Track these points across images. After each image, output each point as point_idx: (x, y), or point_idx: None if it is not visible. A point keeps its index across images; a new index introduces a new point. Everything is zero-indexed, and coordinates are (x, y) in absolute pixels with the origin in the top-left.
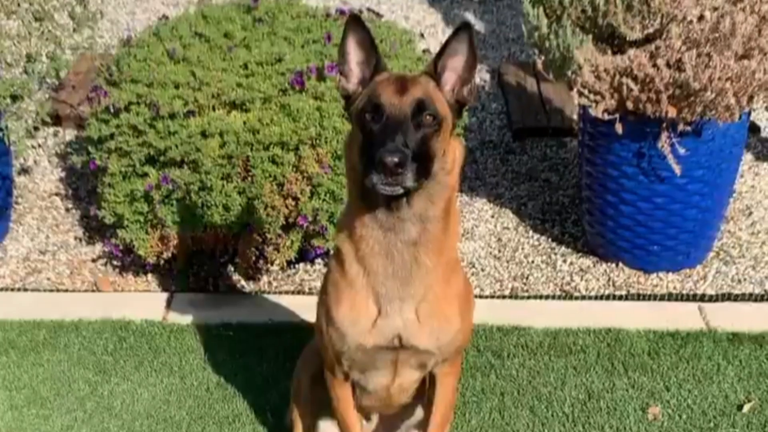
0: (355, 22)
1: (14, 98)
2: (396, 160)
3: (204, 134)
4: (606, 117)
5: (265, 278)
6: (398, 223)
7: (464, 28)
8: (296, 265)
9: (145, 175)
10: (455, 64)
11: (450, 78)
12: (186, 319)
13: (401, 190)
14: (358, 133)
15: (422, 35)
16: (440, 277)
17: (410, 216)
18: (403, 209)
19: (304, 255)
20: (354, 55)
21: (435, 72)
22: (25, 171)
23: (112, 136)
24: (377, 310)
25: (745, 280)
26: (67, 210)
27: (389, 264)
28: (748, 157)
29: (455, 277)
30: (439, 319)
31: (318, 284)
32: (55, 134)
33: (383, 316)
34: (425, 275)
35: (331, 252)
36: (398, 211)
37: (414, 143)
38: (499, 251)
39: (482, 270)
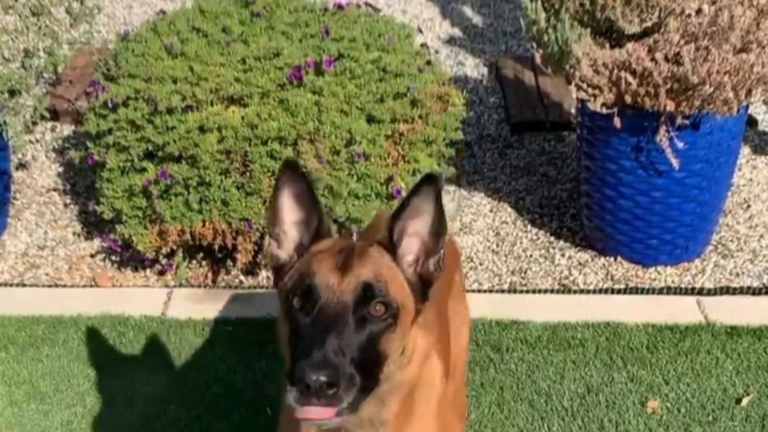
0: (290, 170)
1: (12, 93)
2: (323, 378)
3: (202, 129)
4: (604, 111)
5: (263, 273)
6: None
7: (428, 180)
8: None
9: (144, 170)
10: (418, 227)
11: (411, 246)
12: (185, 315)
13: (337, 422)
14: (284, 321)
15: (420, 29)
16: None
17: (358, 423)
18: (348, 416)
19: None
20: (289, 213)
21: (391, 240)
22: (23, 166)
23: (110, 131)
24: None
25: (743, 273)
26: (66, 205)
27: None
28: (746, 151)
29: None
30: None
31: None
32: (53, 129)
33: None
34: None
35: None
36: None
37: (356, 347)
38: (498, 245)
39: (480, 264)
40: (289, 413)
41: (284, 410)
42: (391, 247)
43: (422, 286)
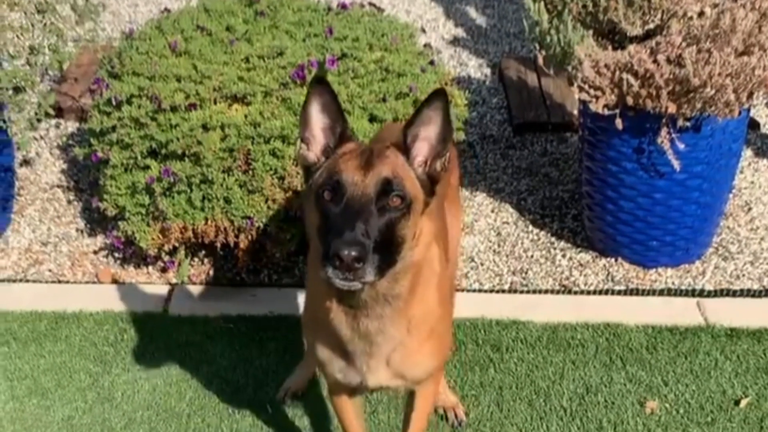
0: (319, 84)
1: (17, 90)
2: (354, 254)
3: (205, 127)
4: (606, 112)
5: (265, 271)
6: (362, 302)
7: (438, 94)
8: (296, 258)
9: (147, 167)
10: (428, 133)
11: (421, 149)
12: (186, 311)
13: (359, 286)
14: (316, 212)
15: (423, 30)
16: (409, 335)
17: (373, 296)
18: (365, 291)
19: (304, 248)
20: (317, 120)
21: (404, 143)
22: (27, 163)
23: (113, 128)
24: (347, 359)
25: (743, 275)
26: (69, 202)
27: (355, 333)
28: (747, 153)
29: (428, 324)
30: (408, 366)
31: None
32: (57, 126)
33: (352, 366)
34: (391, 340)
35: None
36: (361, 293)
37: (378, 230)
38: (499, 246)
39: (481, 264)
40: (314, 294)
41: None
42: (405, 149)
43: (430, 182)
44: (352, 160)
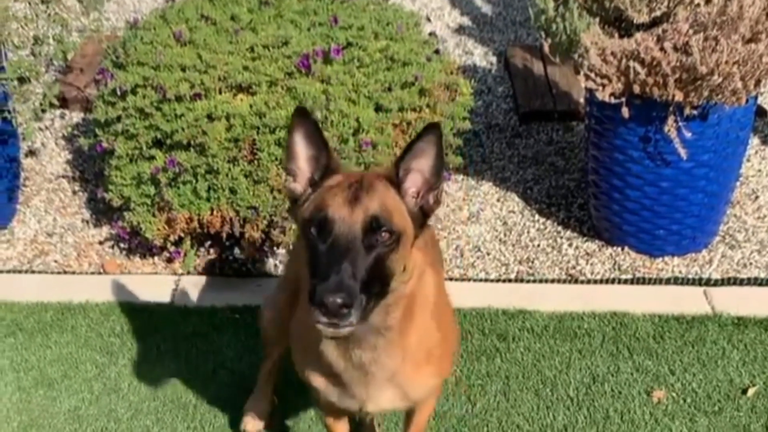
0: (301, 114)
1: (21, 80)
2: (339, 301)
3: (210, 117)
4: (612, 101)
5: (271, 261)
6: (353, 336)
7: (432, 128)
8: None
9: (152, 157)
10: (421, 166)
11: (415, 181)
12: (192, 302)
13: (345, 334)
14: (304, 245)
15: (429, 18)
16: (405, 363)
17: (366, 329)
18: (357, 325)
19: None
20: (302, 151)
21: (397, 175)
22: (32, 153)
23: (118, 118)
24: (343, 387)
25: (750, 264)
26: (74, 192)
27: (348, 362)
28: (754, 141)
29: (426, 344)
30: (408, 388)
31: None
32: (62, 116)
33: (349, 394)
34: (386, 369)
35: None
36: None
37: (365, 270)
38: (505, 235)
39: (488, 254)
40: (303, 324)
41: (295, 322)
42: (396, 181)
43: (421, 215)
44: (339, 194)
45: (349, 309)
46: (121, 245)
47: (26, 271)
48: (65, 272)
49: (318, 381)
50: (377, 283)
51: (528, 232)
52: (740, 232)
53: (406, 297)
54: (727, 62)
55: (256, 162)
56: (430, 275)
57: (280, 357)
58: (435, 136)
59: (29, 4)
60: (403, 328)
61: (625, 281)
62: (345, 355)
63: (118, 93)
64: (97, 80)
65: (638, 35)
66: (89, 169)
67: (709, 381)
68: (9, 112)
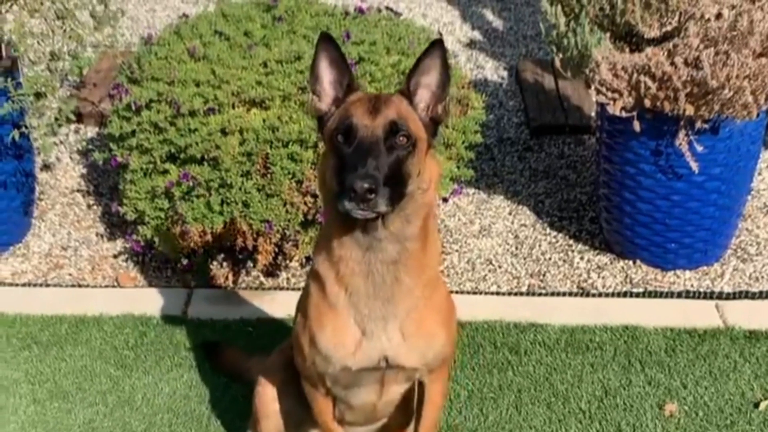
0: (326, 40)
1: (38, 96)
2: (366, 186)
3: (224, 132)
4: (624, 114)
5: (284, 274)
6: (376, 243)
7: (436, 44)
8: None
9: (166, 172)
10: (428, 81)
11: (424, 96)
12: (206, 315)
13: (374, 215)
14: (331, 155)
15: (440, 33)
16: (422, 294)
17: (387, 236)
18: (380, 230)
19: None
20: (326, 74)
21: (408, 90)
22: (47, 167)
23: (133, 133)
24: (361, 331)
25: (762, 277)
26: (89, 206)
27: (370, 284)
28: (766, 155)
29: (437, 293)
30: (424, 336)
31: None
32: (77, 131)
33: (368, 337)
34: (407, 293)
35: (309, 273)
36: (375, 231)
37: (387, 166)
38: (517, 248)
39: (499, 267)
40: (326, 236)
41: (321, 238)
42: (409, 95)
43: (432, 125)
44: (361, 106)
45: (374, 195)
46: (135, 259)
47: (41, 285)
48: (80, 285)
49: (331, 340)
50: (397, 182)
51: (540, 245)
52: (752, 246)
53: (424, 206)
54: (737, 76)
55: (269, 176)
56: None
57: None
58: (440, 51)
59: (45, 20)
60: (422, 240)
61: (637, 295)
62: (368, 271)
63: (133, 108)
64: (112, 95)
65: (649, 50)
66: (103, 183)
67: (721, 394)
68: (26, 126)
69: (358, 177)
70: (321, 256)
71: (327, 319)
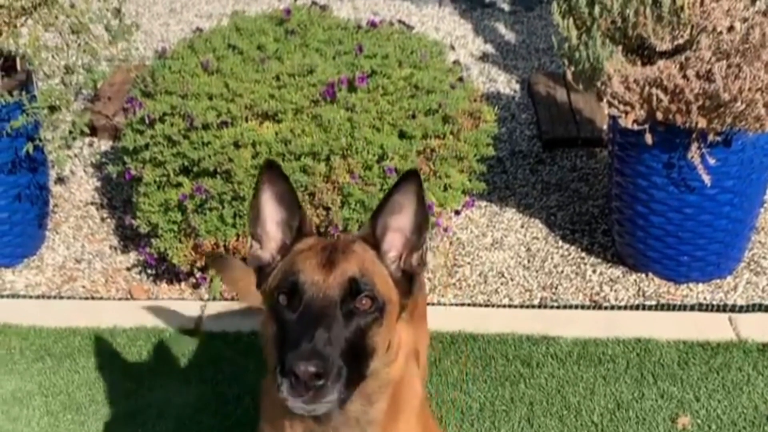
0: (271, 169)
1: (52, 109)
2: (312, 369)
3: (237, 145)
4: (636, 127)
5: None
6: (329, 430)
7: (410, 176)
8: None
9: (179, 184)
10: (401, 223)
11: (394, 242)
12: (218, 327)
13: (322, 411)
14: (270, 320)
15: (452, 46)
16: None
17: (344, 422)
18: (334, 415)
19: None
20: (271, 213)
21: (374, 236)
22: (61, 180)
23: (147, 146)
24: None
25: None
26: (103, 219)
27: None
28: None
29: None
30: None
31: None
32: (91, 144)
33: None
34: None
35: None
36: (327, 419)
37: (343, 340)
38: (529, 261)
39: (511, 279)
40: (271, 403)
41: (265, 399)
42: (374, 242)
43: (406, 281)
44: (312, 257)
45: (323, 381)
46: (149, 271)
47: (55, 297)
48: (93, 298)
49: None
50: (357, 360)
51: (552, 258)
52: (765, 258)
53: (391, 383)
54: (750, 89)
55: None
56: (414, 365)
57: None
58: (414, 186)
59: (60, 34)
60: (388, 425)
61: (650, 307)
62: None
63: (147, 121)
64: (126, 109)
65: (661, 63)
66: (117, 196)
67: (734, 408)
68: (40, 140)
69: (301, 356)
70: (267, 423)
71: None
